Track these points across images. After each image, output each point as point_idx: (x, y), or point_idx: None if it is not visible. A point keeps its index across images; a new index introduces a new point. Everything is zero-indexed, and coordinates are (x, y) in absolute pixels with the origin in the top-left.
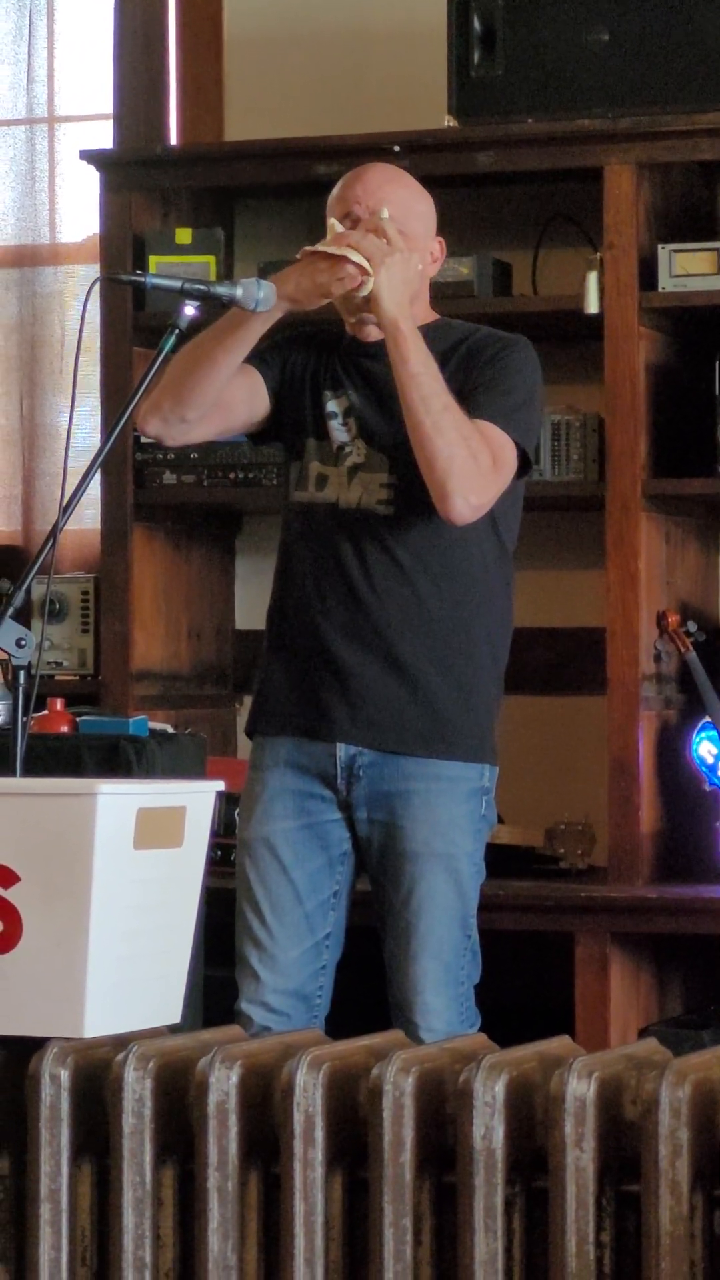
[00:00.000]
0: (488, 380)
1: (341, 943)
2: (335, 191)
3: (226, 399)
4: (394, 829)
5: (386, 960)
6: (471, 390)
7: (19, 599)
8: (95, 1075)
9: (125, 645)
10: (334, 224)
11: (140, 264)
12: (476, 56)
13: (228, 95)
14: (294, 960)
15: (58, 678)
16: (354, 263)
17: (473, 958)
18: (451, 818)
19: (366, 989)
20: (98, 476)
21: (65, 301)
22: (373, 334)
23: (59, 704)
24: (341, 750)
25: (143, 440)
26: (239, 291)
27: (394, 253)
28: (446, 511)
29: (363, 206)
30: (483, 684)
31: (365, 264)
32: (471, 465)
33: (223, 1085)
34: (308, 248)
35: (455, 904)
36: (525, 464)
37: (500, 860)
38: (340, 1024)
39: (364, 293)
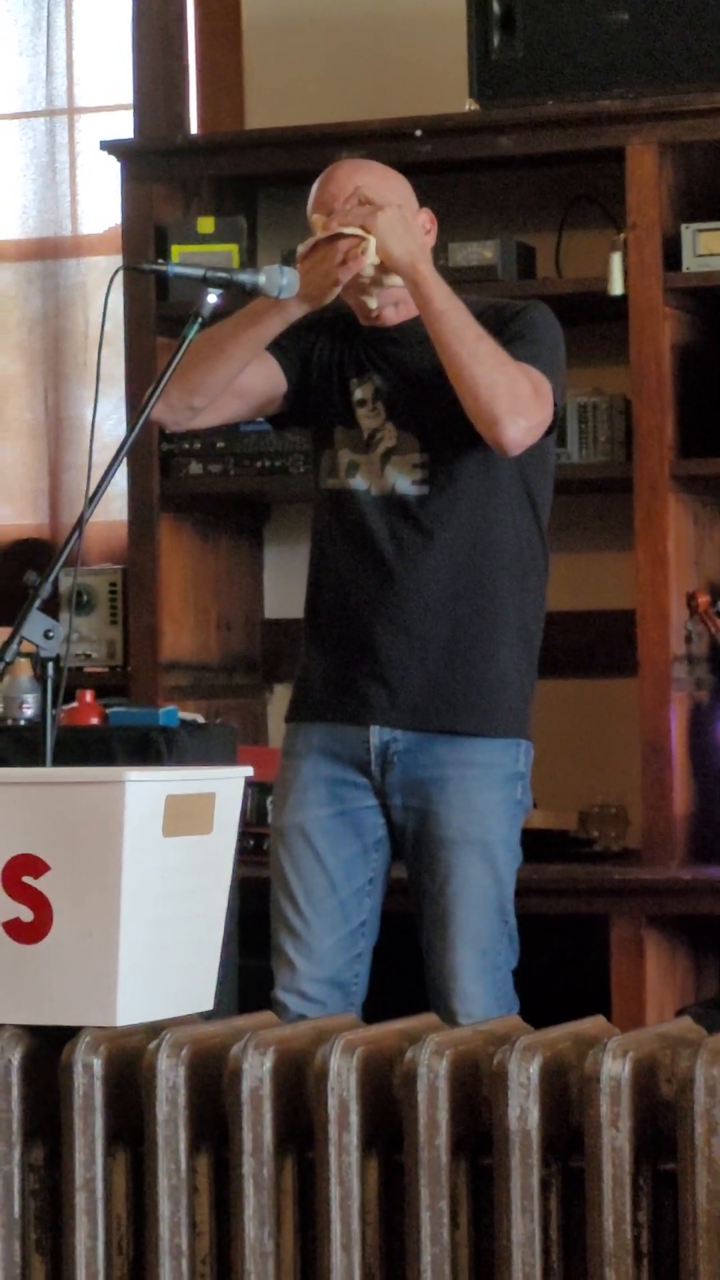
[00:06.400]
0: (511, 335)
1: (377, 930)
2: (311, 198)
3: (241, 386)
4: (429, 816)
5: (424, 948)
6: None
7: (46, 591)
8: (128, 1064)
9: (154, 636)
10: (317, 219)
11: (162, 254)
12: (496, 39)
13: (248, 83)
14: (329, 948)
15: (87, 670)
16: (347, 235)
17: (510, 943)
18: (487, 804)
19: (403, 976)
20: (124, 468)
21: (88, 293)
22: (390, 316)
23: (88, 696)
24: (375, 736)
25: (167, 430)
26: (262, 279)
27: (382, 207)
28: (498, 437)
29: (339, 200)
30: (518, 660)
31: (358, 231)
32: (515, 388)
33: (256, 1071)
34: (300, 248)
35: (492, 890)
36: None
37: (534, 844)
38: (377, 1011)
39: (371, 259)
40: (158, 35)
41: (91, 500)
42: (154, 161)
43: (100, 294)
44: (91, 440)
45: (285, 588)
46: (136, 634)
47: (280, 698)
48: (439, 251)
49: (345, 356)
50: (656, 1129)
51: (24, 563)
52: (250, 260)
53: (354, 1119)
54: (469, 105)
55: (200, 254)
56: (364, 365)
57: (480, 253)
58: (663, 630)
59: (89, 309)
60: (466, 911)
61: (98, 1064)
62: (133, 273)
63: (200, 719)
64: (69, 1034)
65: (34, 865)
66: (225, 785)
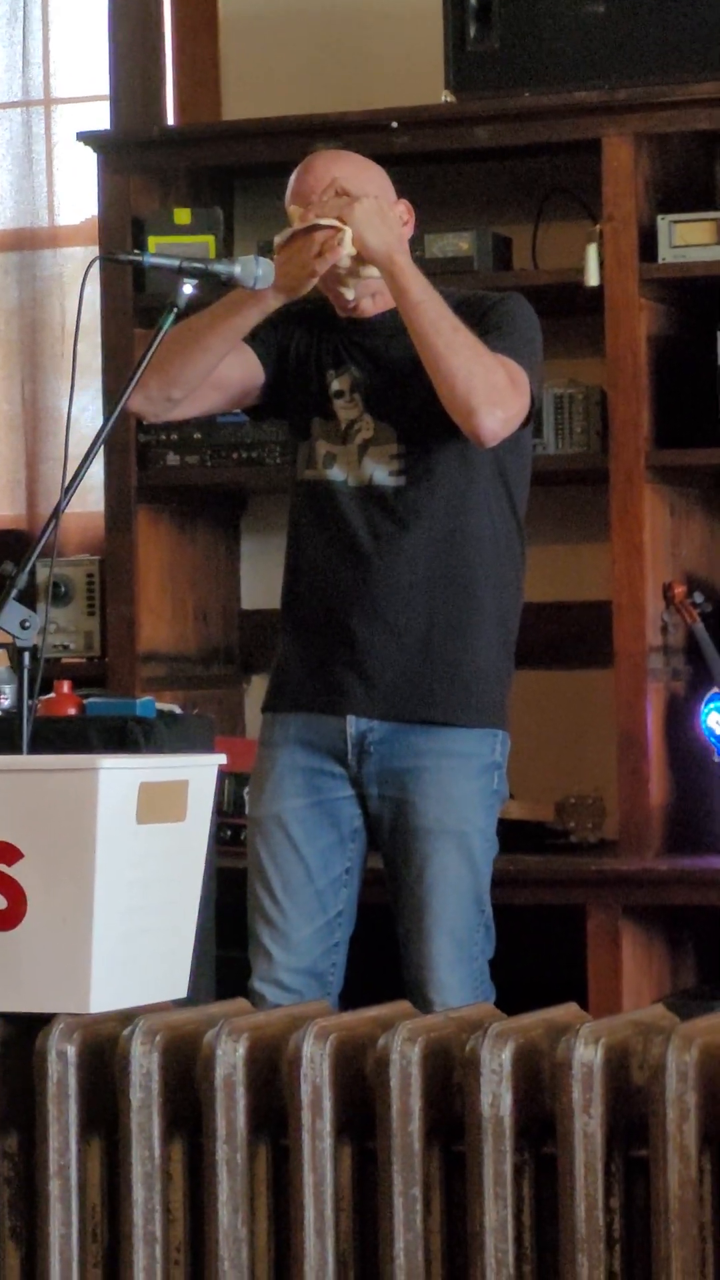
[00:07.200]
0: (488, 326)
1: (354, 920)
2: (288, 189)
3: (219, 377)
4: (405, 805)
5: (400, 938)
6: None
7: (22, 581)
8: (102, 1050)
9: (131, 627)
10: (294, 210)
11: (139, 245)
12: (473, 30)
13: (224, 74)
14: (306, 938)
15: (64, 661)
16: (324, 226)
17: (486, 933)
18: (463, 793)
19: (380, 966)
20: (101, 459)
21: (65, 285)
22: (367, 307)
23: (65, 686)
24: (352, 726)
25: (145, 421)
26: (237, 269)
27: (359, 198)
28: (475, 429)
29: (316, 192)
30: (494, 651)
31: (334, 222)
32: (491, 379)
33: (230, 1058)
34: (277, 239)
35: (468, 880)
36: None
37: (511, 835)
38: (354, 1002)
39: (347, 250)
40: (134, 26)
41: (68, 491)
42: (130, 153)
43: (77, 285)
44: (68, 431)
45: (262, 578)
46: (114, 625)
47: (257, 688)
48: (415, 243)
49: (323, 348)
50: (628, 1115)
51: (1, 554)
52: (227, 251)
53: (327, 1105)
54: (445, 97)
55: (177, 245)
56: (341, 357)
57: (456, 244)
58: (639, 621)
59: (66, 300)
60: (443, 901)
61: (71, 1051)
62: (109, 263)
63: (177, 710)
64: (42, 1021)
65: (8, 852)
66: (198, 773)
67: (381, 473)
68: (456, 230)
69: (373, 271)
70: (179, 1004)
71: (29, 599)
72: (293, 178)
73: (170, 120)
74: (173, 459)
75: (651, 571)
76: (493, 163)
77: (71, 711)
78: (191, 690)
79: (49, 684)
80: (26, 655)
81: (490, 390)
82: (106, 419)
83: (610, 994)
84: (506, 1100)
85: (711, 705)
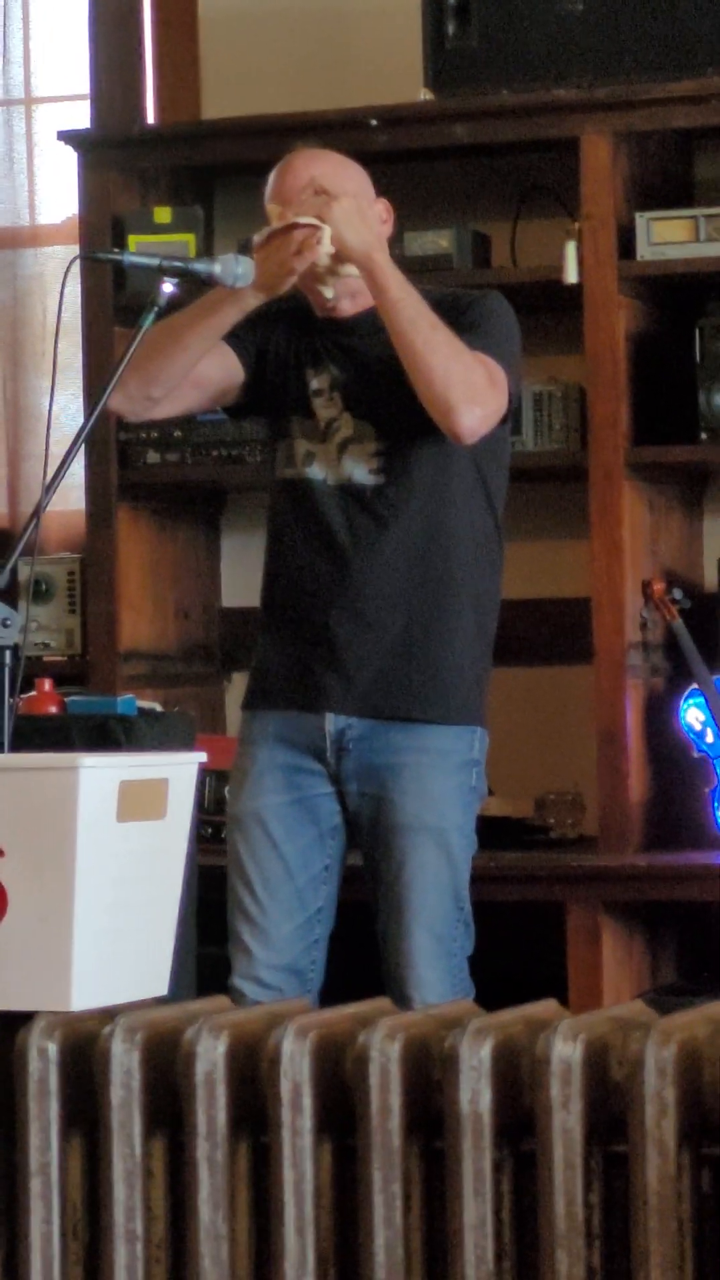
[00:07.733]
0: (466, 324)
1: (334, 917)
2: (268, 188)
3: (199, 376)
4: (384, 802)
5: (379, 934)
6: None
7: (4, 579)
8: (83, 1048)
9: (112, 625)
10: (273, 209)
11: (120, 244)
12: (451, 28)
13: (204, 73)
14: (286, 935)
15: (45, 659)
16: (303, 224)
17: (465, 930)
18: (442, 790)
19: (361, 964)
20: (81, 457)
21: (46, 284)
22: (346, 307)
23: (47, 684)
24: (331, 723)
25: (126, 420)
26: (217, 268)
27: (337, 198)
28: (453, 425)
29: (295, 190)
30: (473, 648)
31: (313, 220)
32: (469, 376)
33: (210, 1055)
34: (256, 238)
35: (446, 876)
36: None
37: (490, 831)
38: (335, 999)
39: (326, 248)
40: (114, 25)
41: (49, 489)
42: (111, 152)
43: (58, 284)
44: (49, 430)
45: (243, 576)
46: (95, 623)
47: (238, 686)
48: (394, 241)
49: (302, 347)
50: (608, 1111)
51: None
52: (207, 250)
53: (307, 1103)
54: (424, 95)
55: (157, 244)
56: (320, 356)
57: (436, 242)
58: (618, 618)
59: (46, 299)
60: (422, 897)
61: (52, 1049)
62: (90, 262)
63: (158, 708)
64: (24, 1019)
65: None
66: (179, 771)
67: (361, 471)
68: (436, 228)
69: (351, 270)
70: (160, 1001)
71: (10, 597)
72: (272, 176)
73: (150, 119)
74: (153, 457)
75: (630, 568)
76: (472, 160)
77: (53, 710)
78: (172, 688)
79: (30, 682)
80: (8, 653)
81: (468, 388)
82: (87, 417)
83: (590, 990)
84: (486, 1097)
85: (690, 701)
